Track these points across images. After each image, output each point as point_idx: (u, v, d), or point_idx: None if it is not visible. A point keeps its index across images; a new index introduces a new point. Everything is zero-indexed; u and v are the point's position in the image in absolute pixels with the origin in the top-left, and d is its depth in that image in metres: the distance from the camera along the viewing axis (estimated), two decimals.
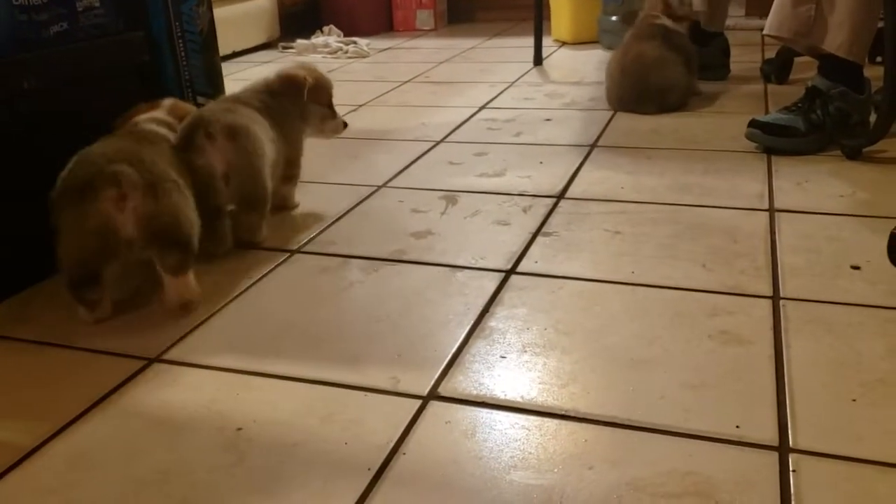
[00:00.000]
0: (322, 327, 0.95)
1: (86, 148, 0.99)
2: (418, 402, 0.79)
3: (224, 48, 2.81)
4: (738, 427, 0.73)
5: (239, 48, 2.94)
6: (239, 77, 2.57)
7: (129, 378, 0.87)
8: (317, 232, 1.25)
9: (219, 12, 2.77)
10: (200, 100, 1.43)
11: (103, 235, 0.93)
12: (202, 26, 1.42)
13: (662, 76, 1.83)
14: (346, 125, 1.41)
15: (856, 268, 1.03)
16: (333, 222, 1.29)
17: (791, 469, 0.68)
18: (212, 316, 1.00)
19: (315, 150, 1.70)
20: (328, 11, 3.34)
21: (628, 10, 2.06)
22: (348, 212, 1.33)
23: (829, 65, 1.49)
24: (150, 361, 0.90)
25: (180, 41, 1.41)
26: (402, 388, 0.82)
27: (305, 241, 1.22)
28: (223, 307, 1.02)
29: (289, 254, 1.17)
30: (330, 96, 1.38)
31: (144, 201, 0.94)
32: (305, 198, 1.40)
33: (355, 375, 0.85)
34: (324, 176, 1.52)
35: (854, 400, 0.76)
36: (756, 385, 0.79)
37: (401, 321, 0.96)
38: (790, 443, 0.71)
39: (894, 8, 1.24)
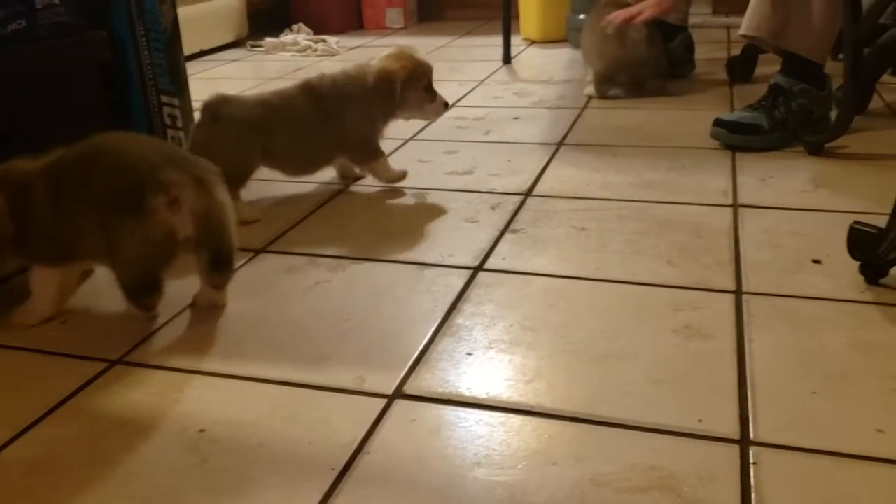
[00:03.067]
0: (287, 327, 0.95)
1: (107, 152, 0.93)
2: (384, 401, 0.79)
3: (191, 47, 2.79)
4: (700, 421, 0.74)
5: (206, 47, 2.91)
6: (206, 76, 2.55)
7: (91, 380, 0.86)
8: (282, 231, 1.24)
9: (185, 11, 2.74)
10: (164, 98, 1.41)
11: (164, 243, 0.90)
12: (166, 24, 1.40)
13: (649, 49, 1.90)
14: (447, 105, 1.42)
15: (817, 262, 1.04)
16: (300, 221, 1.28)
17: (752, 462, 0.68)
18: (175, 317, 0.99)
19: None
20: (297, 9, 3.32)
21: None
22: (315, 210, 1.32)
23: (792, 63, 1.51)
24: (113, 363, 0.89)
25: (143, 39, 1.39)
26: (367, 387, 0.82)
27: (271, 240, 1.21)
28: (187, 308, 1.01)
29: (253, 253, 1.16)
30: (429, 80, 1.38)
31: (197, 199, 0.91)
32: (271, 196, 1.39)
33: (321, 375, 0.84)
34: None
35: (815, 392, 0.77)
36: (719, 379, 0.80)
37: (368, 320, 0.95)
38: (751, 436, 0.72)
39: (853, 11, 1.26)
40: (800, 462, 0.68)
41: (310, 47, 2.90)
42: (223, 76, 2.55)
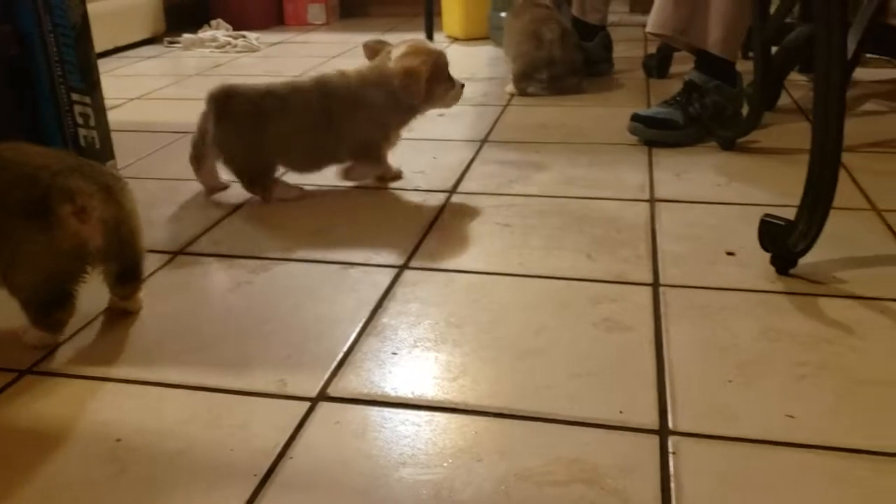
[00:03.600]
0: (207, 331, 0.93)
1: (4, 161, 0.87)
2: (307, 404, 0.78)
3: (104, 43, 2.70)
4: (621, 412, 0.75)
5: (121, 43, 2.82)
6: (120, 73, 2.47)
7: None
8: (201, 231, 1.21)
9: (98, 6, 2.65)
10: (74, 96, 1.36)
11: (74, 254, 0.85)
12: (75, 19, 1.35)
13: (563, 48, 1.94)
14: (463, 86, 1.40)
15: (731, 254, 1.08)
16: (219, 221, 1.25)
17: (671, 451, 0.70)
18: (90, 323, 0.95)
19: None
20: (216, 5, 3.24)
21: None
22: (236, 210, 1.29)
23: (705, 61, 1.55)
24: (22, 373, 0.85)
25: (51, 35, 1.33)
26: (290, 390, 0.80)
27: (189, 241, 1.18)
28: (101, 313, 0.97)
29: (171, 255, 1.13)
30: (447, 71, 1.36)
31: (106, 208, 0.86)
32: (191, 196, 1.36)
33: (242, 379, 0.82)
34: None
35: (730, 381, 0.80)
36: (638, 370, 0.82)
37: (290, 321, 0.94)
38: (670, 426, 0.73)
39: (761, 9, 1.30)
40: (716, 450, 0.70)
41: (229, 43, 2.83)
42: (139, 73, 2.48)
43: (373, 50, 1.38)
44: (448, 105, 1.40)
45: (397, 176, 1.41)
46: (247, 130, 1.27)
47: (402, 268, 1.07)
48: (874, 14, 1.15)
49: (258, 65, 2.56)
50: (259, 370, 0.84)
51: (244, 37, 2.89)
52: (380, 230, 1.20)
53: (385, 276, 1.04)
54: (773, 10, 1.39)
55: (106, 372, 0.85)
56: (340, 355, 0.86)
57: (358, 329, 0.92)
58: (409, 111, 1.35)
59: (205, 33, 2.95)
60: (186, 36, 2.90)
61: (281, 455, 0.71)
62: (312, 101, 1.30)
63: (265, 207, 1.31)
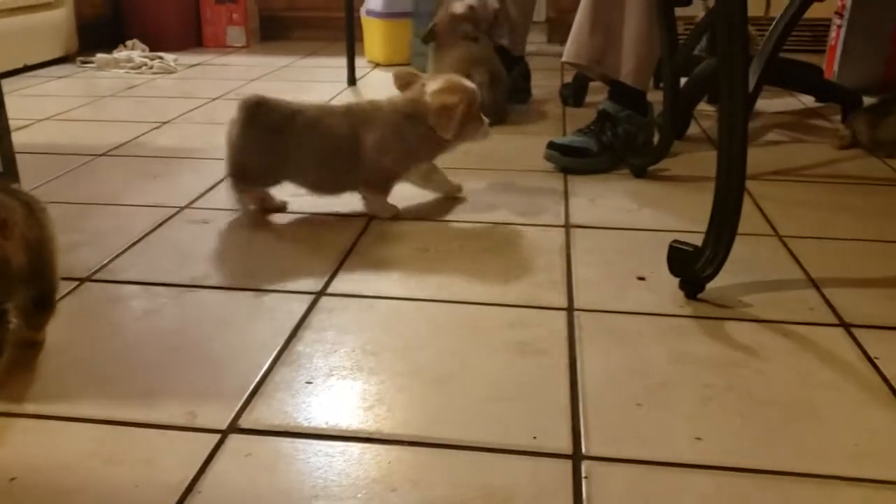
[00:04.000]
0: (112, 362, 0.89)
1: None
2: (217, 437, 0.76)
3: (12, 61, 2.61)
4: (535, 438, 0.76)
5: (31, 61, 2.72)
6: (29, 93, 2.38)
7: None
8: (109, 258, 1.17)
9: (6, 22, 2.57)
10: None
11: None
12: None
13: (489, 93, 1.91)
14: (491, 124, 1.40)
15: (641, 279, 1.10)
16: (129, 247, 1.21)
17: (584, 476, 0.71)
18: None
19: (110, 170, 1.60)
20: (132, 25, 3.17)
21: (427, 28, 2.10)
22: (146, 235, 1.26)
23: (618, 90, 1.60)
24: None
25: None
26: (199, 422, 0.78)
27: (96, 268, 1.13)
28: None
29: (77, 283, 1.09)
30: (479, 108, 1.35)
31: (28, 226, 0.82)
32: (97, 221, 1.31)
33: (148, 412, 0.79)
34: (119, 197, 1.43)
35: (639, 404, 0.81)
36: (552, 395, 0.83)
37: (201, 351, 0.91)
38: (583, 450, 0.74)
39: (670, 42, 1.35)
40: (627, 473, 0.71)
41: (145, 64, 2.77)
42: (49, 93, 2.39)
43: (404, 81, 1.38)
44: (476, 141, 1.41)
45: (398, 215, 1.38)
46: (269, 142, 1.28)
47: (319, 294, 1.06)
48: (774, 48, 1.20)
49: (175, 87, 2.51)
50: (166, 402, 0.81)
51: (161, 58, 2.83)
52: (297, 256, 1.18)
53: (301, 304, 1.03)
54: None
55: (1, 406, 0.80)
56: (252, 386, 0.84)
57: (271, 358, 0.90)
58: (438, 146, 1.35)
59: (120, 53, 2.87)
60: (100, 56, 2.82)
61: (188, 490, 0.68)
62: (341, 127, 1.30)
63: (175, 232, 1.27)
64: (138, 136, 1.85)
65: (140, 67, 2.76)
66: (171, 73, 2.74)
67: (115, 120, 2.02)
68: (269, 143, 1.28)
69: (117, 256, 1.17)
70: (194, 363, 0.89)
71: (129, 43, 3.02)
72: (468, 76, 1.89)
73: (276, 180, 1.33)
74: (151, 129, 1.92)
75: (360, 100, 1.38)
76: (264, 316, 1.00)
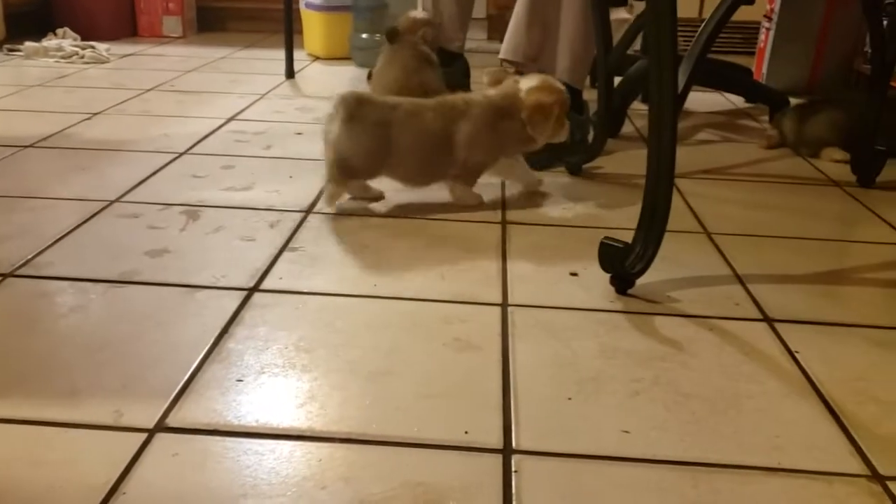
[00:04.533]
0: (34, 360, 0.86)
1: None
2: (143, 436, 0.74)
3: None
4: (466, 433, 0.76)
5: None
6: None
7: None
8: (33, 253, 1.13)
9: None
10: None
11: None
12: None
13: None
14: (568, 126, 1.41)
15: (574, 274, 1.12)
16: (55, 242, 1.17)
17: (513, 470, 0.72)
18: None
19: (37, 162, 1.55)
20: (63, 13, 3.07)
21: (389, 27, 2.09)
22: (73, 229, 1.22)
23: None
24: None
25: None
26: (125, 421, 0.76)
27: (19, 263, 1.10)
28: None
29: (0, 278, 1.06)
30: (567, 109, 1.37)
31: None
32: (22, 214, 1.27)
33: (71, 411, 0.77)
34: (45, 190, 1.39)
35: (570, 398, 0.83)
36: (485, 390, 0.84)
37: (128, 348, 0.89)
38: (513, 444, 0.75)
39: (604, 42, 1.37)
40: (556, 467, 0.73)
41: (76, 53, 2.68)
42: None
43: (495, 78, 1.42)
44: (556, 141, 1.43)
45: (482, 205, 1.41)
46: (372, 136, 1.31)
47: (252, 290, 1.05)
48: (703, 49, 1.23)
49: (107, 77, 2.44)
50: (91, 401, 0.79)
51: (93, 47, 2.75)
52: (229, 251, 1.17)
53: (233, 300, 1.01)
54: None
55: None
56: (181, 384, 0.83)
57: (201, 355, 0.88)
58: (526, 141, 1.38)
59: (49, 42, 2.78)
60: (29, 44, 2.72)
61: (112, 491, 0.67)
62: (436, 120, 1.34)
63: (104, 226, 1.24)
64: (67, 128, 1.80)
65: (71, 57, 2.68)
66: (103, 62, 2.67)
67: (44, 110, 1.96)
68: (372, 137, 1.31)
69: (43, 251, 1.14)
70: (121, 361, 0.87)
71: (59, 31, 2.93)
72: (419, 79, 1.90)
73: (376, 173, 1.36)
74: (81, 121, 1.86)
75: (454, 94, 1.42)
76: (195, 312, 0.98)
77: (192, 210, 1.32)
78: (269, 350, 0.90)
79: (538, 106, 1.34)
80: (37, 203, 1.33)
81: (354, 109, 1.30)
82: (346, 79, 2.52)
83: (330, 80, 2.49)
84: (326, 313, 1.00)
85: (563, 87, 1.38)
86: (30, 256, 1.12)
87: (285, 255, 1.16)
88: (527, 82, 1.37)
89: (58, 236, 1.19)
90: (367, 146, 1.32)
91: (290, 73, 2.49)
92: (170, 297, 1.02)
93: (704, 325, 0.99)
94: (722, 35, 1.36)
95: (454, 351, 0.91)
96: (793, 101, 2.00)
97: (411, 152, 1.34)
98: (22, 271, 1.08)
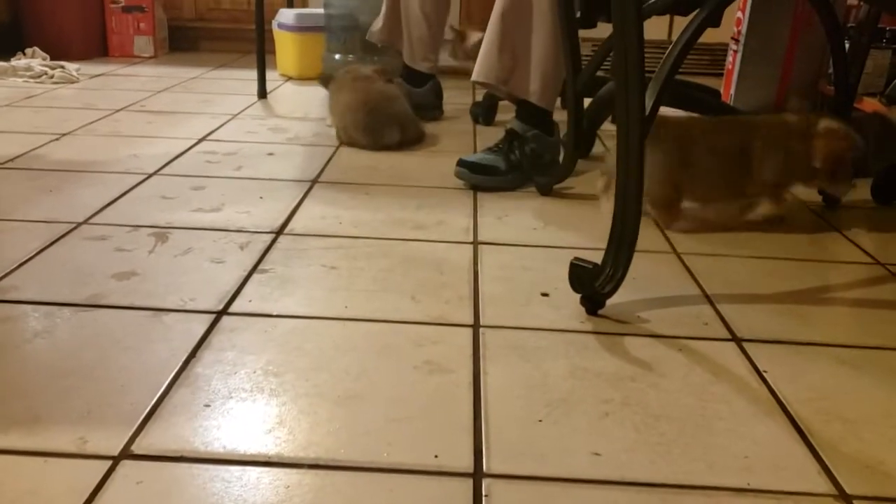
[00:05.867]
0: None
1: None
2: (108, 463, 0.73)
3: None
4: (436, 457, 0.76)
5: None
6: None
7: None
8: (0, 275, 1.12)
9: None
10: None
11: None
12: None
13: (405, 106, 1.95)
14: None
15: (545, 295, 1.12)
16: (20, 265, 1.16)
17: (484, 494, 0.71)
18: None
19: (3, 184, 1.53)
20: (33, 32, 3.04)
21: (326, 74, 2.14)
22: (39, 252, 1.20)
23: (525, 110, 1.63)
24: None
25: None
26: (89, 449, 0.75)
27: None
28: None
29: None
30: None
31: None
32: None
33: (33, 439, 0.76)
34: (11, 212, 1.37)
35: (540, 420, 0.83)
36: (456, 413, 0.83)
37: (93, 374, 0.88)
38: (484, 468, 0.75)
39: (573, 64, 1.38)
40: (527, 490, 0.72)
41: (45, 73, 2.66)
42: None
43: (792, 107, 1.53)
44: (834, 192, 1.50)
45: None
46: (671, 158, 1.36)
47: (221, 314, 1.03)
48: (670, 71, 1.25)
49: (77, 97, 2.42)
50: (55, 428, 0.78)
51: (62, 67, 2.72)
52: (198, 273, 1.15)
53: (201, 324, 1.00)
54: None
55: None
56: (147, 409, 0.82)
57: (168, 380, 0.87)
58: (805, 170, 1.41)
59: (18, 61, 2.76)
60: None
61: None
62: (734, 137, 1.38)
63: (70, 249, 1.22)
64: (35, 148, 1.78)
65: (40, 76, 2.65)
66: (72, 82, 2.64)
67: (11, 131, 1.94)
68: (670, 157, 1.36)
69: (8, 274, 1.12)
70: (86, 386, 0.85)
71: (28, 51, 2.90)
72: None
73: (676, 192, 1.40)
74: (50, 141, 1.84)
75: (747, 114, 1.51)
76: (163, 336, 0.97)
77: (161, 232, 1.31)
78: (237, 374, 0.89)
79: (830, 153, 1.38)
80: (2, 226, 1.31)
81: (654, 132, 1.31)
82: (319, 98, 2.51)
83: (302, 101, 2.49)
84: (296, 336, 0.99)
85: (856, 137, 1.43)
86: None
87: (255, 277, 1.15)
88: (826, 121, 1.41)
89: (23, 259, 1.18)
90: (666, 167, 1.36)
91: (263, 94, 2.49)
92: (137, 321, 1.01)
93: (674, 345, 1.00)
94: (690, 57, 1.39)
95: (425, 373, 0.91)
96: None
97: (711, 171, 1.38)
98: None
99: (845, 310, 1.14)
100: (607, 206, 1.42)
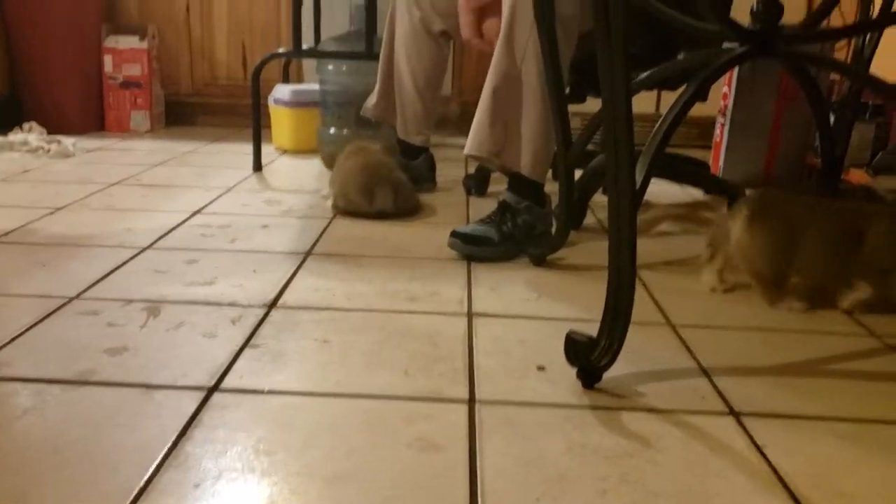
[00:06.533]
0: None
1: None
2: None
3: None
4: None
5: None
6: None
7: None
8: None
9: None
10: None
11: None
12: None
13: (402, 175, 1.98)
14: None
15: (541, 368, 1.12)
16: (10, 341, 1.14)
17: None
18: None
19: None
20: (31, 107, 3.09)
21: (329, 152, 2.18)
22: (30, 328, 1.19)
23: (517, 182, 1.65)
24: None
25: None
26: None
27: None
28: None
29: None
30: None
31: None
32: None
33: None
34: (3, 287, 1.36)
35: (537, 499, 0.81)
36: (451, 494, 0.81)
37: (82, 452, 0.86)
38: None
39: (564, 137, 1.41)
40: None
41: (41, 148, 2.69)
42: None
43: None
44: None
45: None
46: (781, 237, 1.36)
47: (212, 390, 1.02)
48: (660, 144, 1.27)
49: (72, 171, 2.44)
50: None
51: (59, 142, 2.75)
52: (190, 348, 1.14)
53: (192, 400, 0.99)
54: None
55: None
56: (136, 489, 0.80)
57: (158, 459, 0.85)
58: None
59: (16, 136, 2.79)
60: None
61: None
62: (847, 225, 1.36)
63: (61, 325, 1.22)
64: (30, 223, 1.78)
65: (36, 151, 2.68)
66: (68, 157, 2.67)
67: (6, 205, 1.95)
68: (777, 236, 1.36)
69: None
70: (75, 465, 0.84)
71: (26, 126, 2.94)
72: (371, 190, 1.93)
73: (783, 272, 1.39)
74: (44, 215, 1.85)
75: (855, 198, 1.50)
76: (153, 414, 0.95)
77: (153, 306, 1.31)
78: (227, 453, 0.87)
79: None
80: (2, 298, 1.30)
81: (758, 208, 1.34)
82: (313, 172, 2.54)
83: (297, 174, 2.51)
84: (287, 413, 0.97)
85: None
86: None
87: (246, 352, 1.14)
88: None
89: (15, 334, 1.17)
90: (777, 246, 1.36)
91: (258, 167, 2.52)
92: (128, 398, 0.99)
93: (671, 419, 0.98)
94: (679, 129, 1.41)
95: (417, 451, 0.89)
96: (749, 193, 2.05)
97: (819, 250, 1.37)
98: None
99: (843, 382, 1.13)
100: (709, 278, 1.46)
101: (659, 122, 1.32)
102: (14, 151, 2.68)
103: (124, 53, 3.25)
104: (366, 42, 2.36)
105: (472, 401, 1.01)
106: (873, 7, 1.56)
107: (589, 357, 1.05)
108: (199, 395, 1.00)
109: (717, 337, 1.27)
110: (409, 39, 2.09)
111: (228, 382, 1.05)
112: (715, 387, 1.08)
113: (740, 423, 0.98)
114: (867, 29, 1.53)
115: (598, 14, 1.00)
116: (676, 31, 1.67)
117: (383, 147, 2.09)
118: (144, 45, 3.24)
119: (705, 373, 1.13)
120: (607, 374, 1.06)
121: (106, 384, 1.03)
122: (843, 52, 2.48)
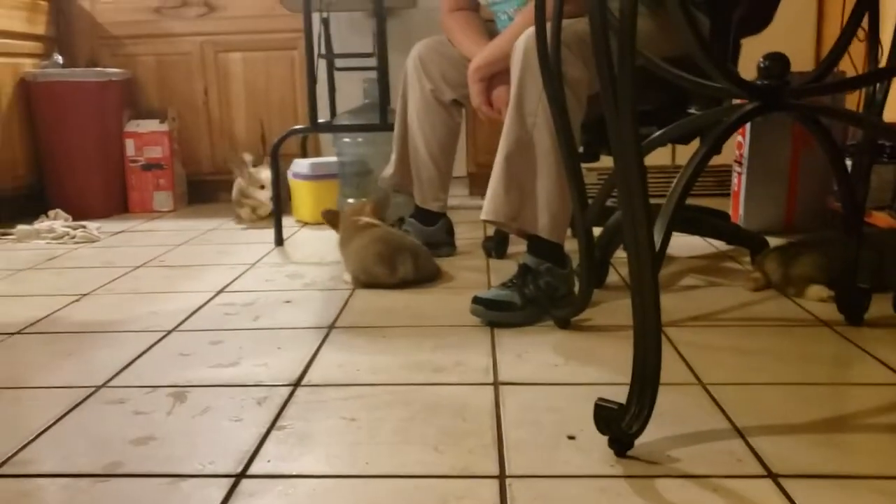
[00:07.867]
0: None
1: None
2: None
3: None
4: None
5: None
6: None
7: None
8: (13, 450, 1.10)
9: None
10: None
11: None
12: None
13: (415, 241, 2.01)
14: None
15: (572, 438, 1.09)
16: (37, 436, 1.14)
17: None
18: None
19: (23, 350, 1.54)
20: (55, 194, 3.16)
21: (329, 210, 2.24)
22: (57, 421, 1.19)
23: (536, 244, 1.65)
24: None
25: None
26: None
27: (2, 460, 1.06)
28: None
29: None
30: None
31: None
32: (5, 407, 1.25)
33: None
34: (30, 379, 1.37)
35: None
36: None
37: None
38: None
39: (579, 198, 1.41)
40: None
41: (67, 234, 2.74)
42: None
43: None
44: None
45: None
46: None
47: (240, 477, 1.01)
48: (679, 200, 1.26)
49: (97, 256, 2.48)
50: None
51: (83, 227, 2.81)
52: (216, 433, 1.14)
53: (220, 489, 0.98)
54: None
55: None
56: None
57: None
58: None
59: (41, 224, 2.84)
60: (21, 227, 2.78)
61: None
62: None
63: (88, 417, 1.21)
64: (55, 311, 1.80)
65: (62, 237, 2.73)
66: (93, 241, 2.71)
67: (32, 294, 1.97)
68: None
69: (26, 445, 1.11)
70: None
71: (51, 213, 3.00)
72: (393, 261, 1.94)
73: None
74: (70, 303, 1.87)
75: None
76: None
77: (179, 391, 1.30)
78: None
79: None
80: (22, 393, 1.31)
81: None
82: (334, 242, 2.55)
83: (318, 246, 2.53)
84: (316, 498, 0.96)
85: None
86: (13, 452, 1.09)
87: (273, 434, 1.14)
88: None
89: (42, 428, 1.17)
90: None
91: (280, 241, 2.54)
92: (155, 490, 0.98)
93: (707, 485, 0.96)
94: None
95: None
96: (772, 241, 2.03)
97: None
98: (5, 469, 1.05)
99: (884, 437, 1.10)
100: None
101: (675, 183, 1.32)
102: (40, 239, 2.73)
103: (145, 137, 3.32)
104: (380, 113, 2.40)
105: (503, 476, 0.99)
106: (881, 53, 1.56)
107: (619, 424, 1.03)
108: (227, 483, 0.99)
109: (750, 394, 1.24)
110: (421, 110, 2.12)
111: (256, 468, 1.03)
112: (751, 447, 1.05)
113: (779, 486, 0.95)
114: (875, 79, 1.53)
115: (603, 79, 1.01)
116: (686, 88, 1.68)
117: (373, 203, 2.12)
118: (165, 127, 3.32)
119: (740, 433, 1.10)
120: (639, 440, 1.04)
121: (133, 476, 1.02)
122: (856, 95, 2.48)
